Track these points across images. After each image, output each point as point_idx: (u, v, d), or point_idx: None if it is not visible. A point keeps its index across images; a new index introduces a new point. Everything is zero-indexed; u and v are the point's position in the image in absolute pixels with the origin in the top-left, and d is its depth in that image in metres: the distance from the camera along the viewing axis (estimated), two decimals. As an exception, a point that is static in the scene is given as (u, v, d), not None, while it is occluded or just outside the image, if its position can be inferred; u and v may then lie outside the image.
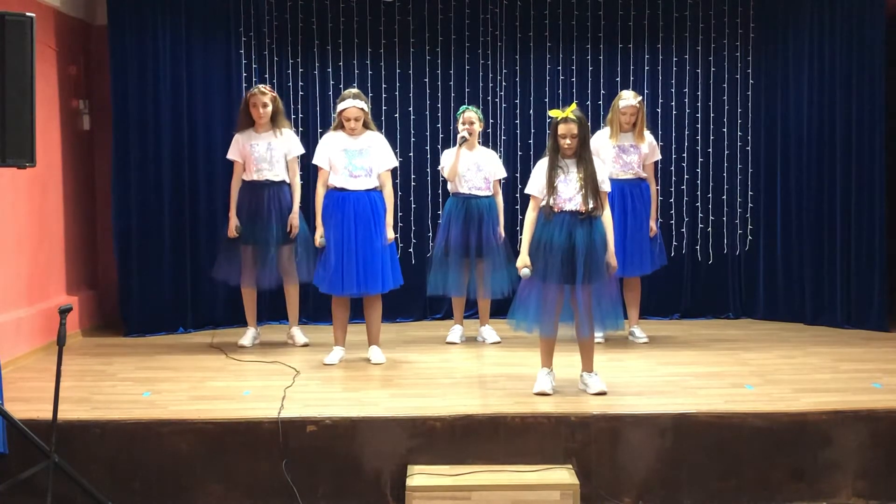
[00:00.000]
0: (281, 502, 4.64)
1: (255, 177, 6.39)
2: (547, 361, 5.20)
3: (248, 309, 6.58)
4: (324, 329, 6.85)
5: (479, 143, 6.60)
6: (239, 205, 6.44)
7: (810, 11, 7.18)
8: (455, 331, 6.67)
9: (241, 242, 6.40)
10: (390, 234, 5.91)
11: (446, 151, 6.68)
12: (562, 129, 5.06)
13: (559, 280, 5.01)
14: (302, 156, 6.60)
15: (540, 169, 5.16)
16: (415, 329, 6.99)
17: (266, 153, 6.38)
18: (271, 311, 7.21)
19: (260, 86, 6.52)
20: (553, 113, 5.19)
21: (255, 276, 6.45)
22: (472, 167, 6.50)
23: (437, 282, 6.55)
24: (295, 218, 6.42)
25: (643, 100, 6.66)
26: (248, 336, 6.54)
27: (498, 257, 6.51)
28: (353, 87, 7.40)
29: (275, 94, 6.52)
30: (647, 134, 6.60)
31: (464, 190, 6.51)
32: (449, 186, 6.62)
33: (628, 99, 6.46)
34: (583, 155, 5.08)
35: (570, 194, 5.04)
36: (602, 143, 6.46)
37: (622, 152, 6.49)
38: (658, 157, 6.73)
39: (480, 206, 6.50)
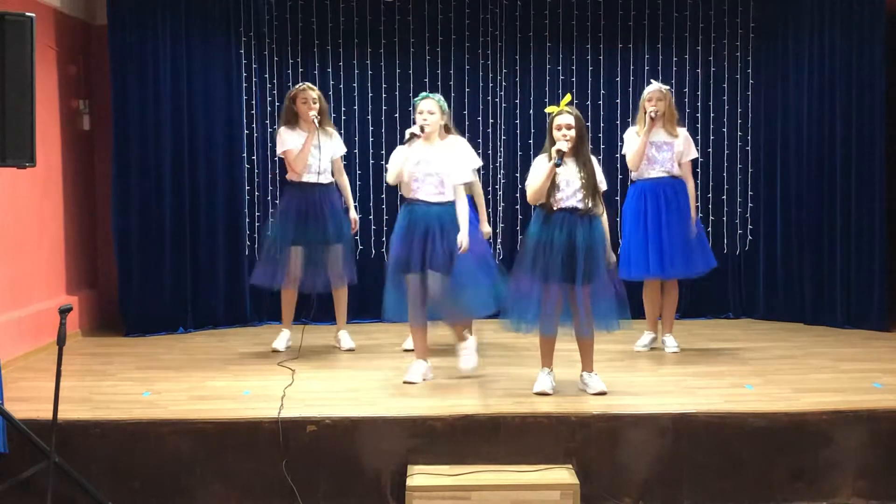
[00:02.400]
0: (281, 502, 4.64)
1: (304, 178, 6.16)
2: (547, 361, 5.20)
3: (286, 311, 6.35)
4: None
5: (439, 137, 5.55)
6: (287, 206, 6.26)
7: (810, 11, 7.18)
8: (415, 369, 5.46)
9: (290, 244, 6.18)
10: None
11: (397, 150, 5.52)
12: (557, 120, 5.04)
13: (560, 279, 5.00)
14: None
15: (540, 164, 5.10)
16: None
17: (316, 154, 6.14)
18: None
19: (307, 83, 6.42)
20: (549, 109, 5.19)
21: (301, 278, 6.21)
22: (425, 167, 5.37)
23: (393, 305, 5.47)
24: (354, 213, 6.38)
25: (670, 90, 6.33)
26: (282, 339, 6.32)
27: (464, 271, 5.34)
28: (354, 87, 7.47)
29: (320, 92, 6.35)
30: (682, 130, 6.29)
31: (417, 195, 5.39)
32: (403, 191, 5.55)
33: (653, 84, 6.22)
34: (581, 152, 5.06)
35: (569, 192, 5.03)
36: (631, 138, 6.21)
37: (654, 149, 6.15)
38: (694, 154, 6.34)
39: (440, 216, 5.33)
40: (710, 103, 7.59)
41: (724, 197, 7.63)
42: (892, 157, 7.17)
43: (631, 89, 7.57)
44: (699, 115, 7.60)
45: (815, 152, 7.18)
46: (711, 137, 7.62)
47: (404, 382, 5.36)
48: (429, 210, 5.34)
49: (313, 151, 6.12)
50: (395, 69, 7.53)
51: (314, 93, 6.21)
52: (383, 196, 7.46)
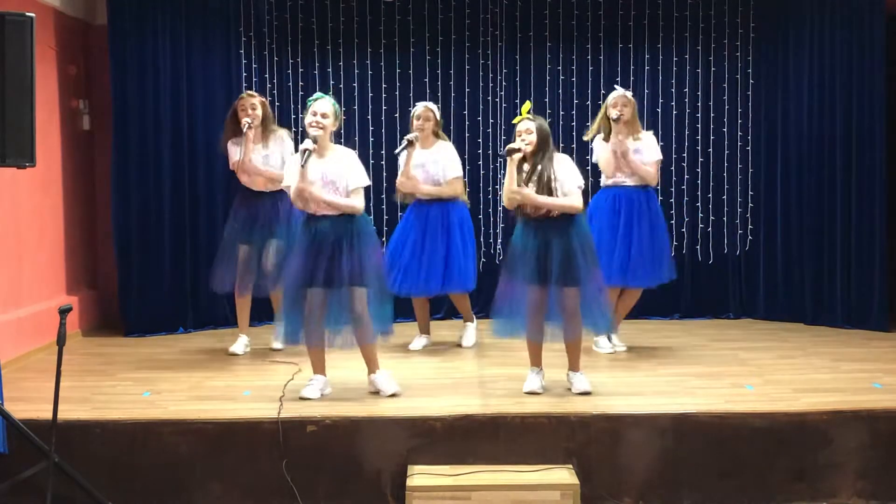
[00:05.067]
0: (281, 502, 4.64)
1: (251, 186, 6.18)
2: (535, 361, 5.23)
3: (240, 314, 6.35)
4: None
5: (332, 141, 5.13)
6: (237, 208, 6.26)
7: (810, 11, 7.18)
8: (314, 385, 5.12)
9: (238, 243, 6.17)
10: None
11: (293, 160, 5.07)
12: (518, 127, 5.09)
13: (539, 282, 5.00)
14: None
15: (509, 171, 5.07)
16: (415, 329, 6.97)
17: (259, 160, 6.13)
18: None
19: (248, 90, 6.39)
20: (515, 120, 5.20)
21: (254, 279, 6.19)
22: (319, 179, 4.97)
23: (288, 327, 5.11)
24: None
25: (634, 96, 6.25)
26: (240, 343, 6.30)
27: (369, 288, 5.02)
28: (354, 87, 7.47)
29: (263, 98, 6.29)
30: (647, 133, 6.30)
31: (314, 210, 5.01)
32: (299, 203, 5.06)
33: (617, 90, 6.17)
34: (536, 158, 5.05)
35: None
36: (601, 146, 6.19)
37: (622, 156, 6.11)
38: (659, 155, 6.28)
39: (336, 227, 4.97)
40: (710, 103, 7.59)
41: (724, 197, 7.63)
42: (892, 157, 7.17)
43: (631, 89, 7.55)
44: (699, 115, 7.60)
45: (815, 152, 7.17)
46: (711, 137, 7.62)
47: (300, 398, 5.00)
48: (335, 222, 4.96)
49: (257, 158, 6.09)
50: (395, 69, 7.53)
51: (253, 98, 6.16)
52: (383, 196, 7.44)
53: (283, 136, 6.27)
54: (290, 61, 7.51)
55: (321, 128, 4.95)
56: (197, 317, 7.17)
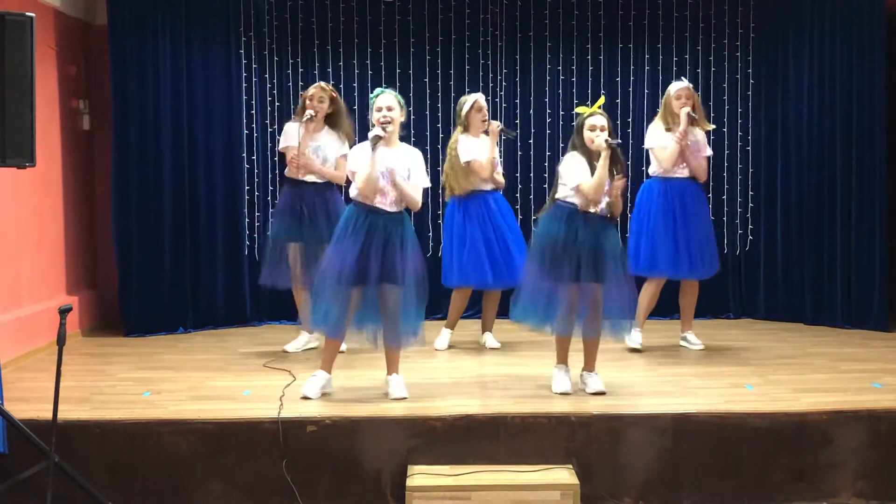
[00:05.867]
0: (281, 502, 4.64)
1: (298, 176, 6.09)
2: (563, 358, 5.20)
3: (303, 312, 6.11)
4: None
5: (399, 139, 5.14)
6: (283, 203, 6.18)
7: (810, 11, 7.18)
8: (315, 381, 5.13)
9: (287, 241, 6.10)
10: None
11: (356, 148, 5.17)
12: (591, 121, 5.02)
13: (582, 279, 4.98)
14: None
15: (581, 162, 5.01)
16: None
17: (308, 153, 6.06)
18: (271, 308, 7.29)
19: (322, 82, 6.37)
20: (580, 109, 5.19)
21: (305, 276, 6.01)
22: (386, 169, 4.99)
23: (320, 314, 5.04)
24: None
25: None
26: (299, 341, 6.25)
27: (408, 290, 5.01)
28: (354, 87, 7.47)
29: (336, 94, 6.23)
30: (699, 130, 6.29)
31: (375, 202, 4.98)
32: (352, 192, 5.04)
33: (682, 81, 6.21)
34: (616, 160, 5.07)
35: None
36: (660, 135, 6.15)
37: (687, 150, 6.10)
38: (709, 152, 6.34)
39: (389, 224, 4.98)
40: (710, 103, 7.58)
41: (724, 197, 7.64)
42: (892, 157, 7.18)
43: (631, 89, 7.59)
44: (699, 114, 7.60)
45: (816, 152, 7.18)
46: (712, 138, 7.53)
47: (302, 397, 5.00)
48: (389, 219, 4.98)
49: (310, 148, 6.06)
50: (395, 69, 7.54)
51: (323, 92, 6.12)
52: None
53: (344, 138, 6.16)
54: (290, 61, 7.51)
55: (389, 121, 4.95)
56: (197, 317, 7.17)
